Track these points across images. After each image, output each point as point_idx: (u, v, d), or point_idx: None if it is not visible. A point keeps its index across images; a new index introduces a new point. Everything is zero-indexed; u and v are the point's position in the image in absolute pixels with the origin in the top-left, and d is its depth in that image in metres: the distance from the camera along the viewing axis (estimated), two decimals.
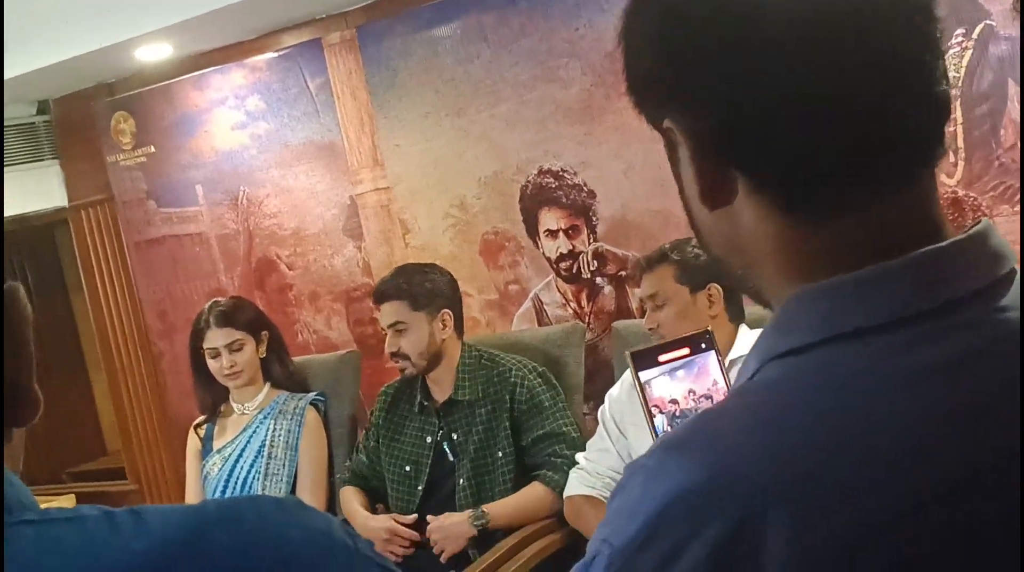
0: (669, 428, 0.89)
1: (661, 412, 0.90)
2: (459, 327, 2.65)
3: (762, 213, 0.61)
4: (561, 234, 3.26)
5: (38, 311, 0.71)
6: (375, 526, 2.57)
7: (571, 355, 2.78)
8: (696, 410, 0.89)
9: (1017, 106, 2.59)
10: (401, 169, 3.48)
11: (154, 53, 3.67)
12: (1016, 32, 2.55)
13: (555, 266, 3.29)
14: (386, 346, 2.62)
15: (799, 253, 0.61)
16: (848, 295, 0.58)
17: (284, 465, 2.81)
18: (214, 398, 2.91)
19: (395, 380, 2.76)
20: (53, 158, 4.16)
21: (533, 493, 2.48)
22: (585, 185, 3.19)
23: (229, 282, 3.88)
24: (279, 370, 2.92)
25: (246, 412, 2.88)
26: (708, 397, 0.90)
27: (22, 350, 0.68)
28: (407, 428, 2.67)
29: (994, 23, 2.59)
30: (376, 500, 2.77)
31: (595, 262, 3.23)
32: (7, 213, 3.99)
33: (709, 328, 0.93)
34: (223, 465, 2.85)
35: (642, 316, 2.39)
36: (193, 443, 2.97)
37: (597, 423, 2.44)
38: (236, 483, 2.82)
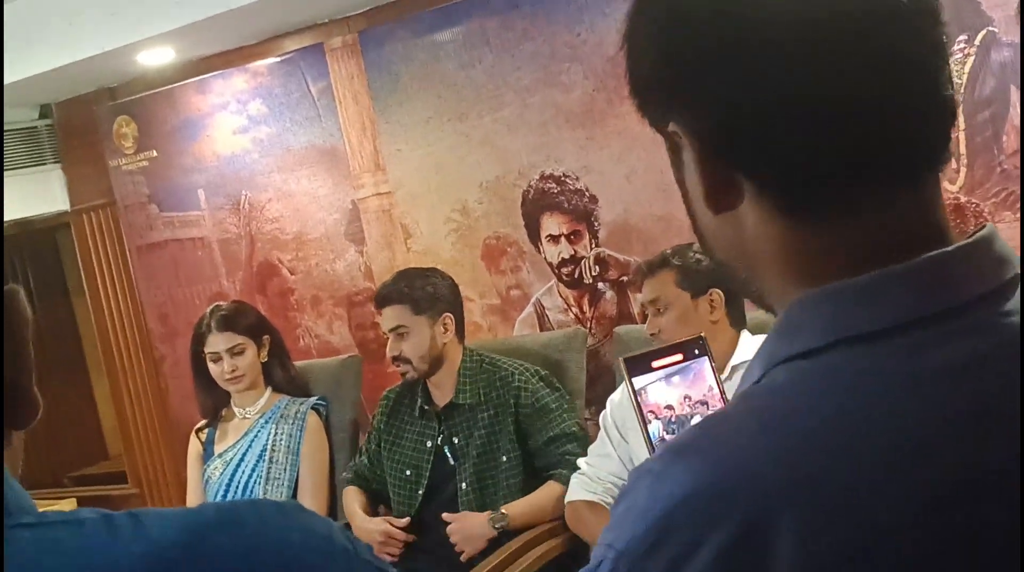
0: (665, 434, 0.89)
1: (656, 418, 0.89)
2: (460, 331, 2.65)
3: (764, 216, 0.61)
4: (563, 239, 3.25)
5: (40, 315, 0.71)
6: (370, 528, 2.59)
7: (572, 360, 2.77)
8: (692, 416, 0.89)
9: (1019, 112, 2.58)
10: (403, 173, 3.48)
11: (156, 57, 3.67)
12: (1018, 38, 2.55)
13: (557, 271, 3.29)
14: (387, 350, 2.62)
15: (800, 255, 0.61)
16: (852, 299, 0.58)
17: (285, 469, 2.81)
18: (215, 402, 2.91)
19: (396, 384, 2.76)
20: (55, 162, 4.17)
21: (550, 493, 2.49)
22: (587, 190, 3.19)
23: (231, 286, 3.88)
24: (280, 374, 2.91)
25: (247, 416, 2.88)
26: (704, 403, 0.90)
27: (22, 352, 0.68)
28: (408, 432, 2.67)
29: (996, 29, 2.59)
30: (378, 502, 2.78)
31: (597, 267, 3.22)
32: (9, 217, 3.99)
33: (703, 334, 0.92)
34: (224, 469, 2.84)
35: (644, 321, 2.39)
36: (194, 447, 2.96)
37: (599, 428, 2.44)
38: (237, 487, 2.82)
